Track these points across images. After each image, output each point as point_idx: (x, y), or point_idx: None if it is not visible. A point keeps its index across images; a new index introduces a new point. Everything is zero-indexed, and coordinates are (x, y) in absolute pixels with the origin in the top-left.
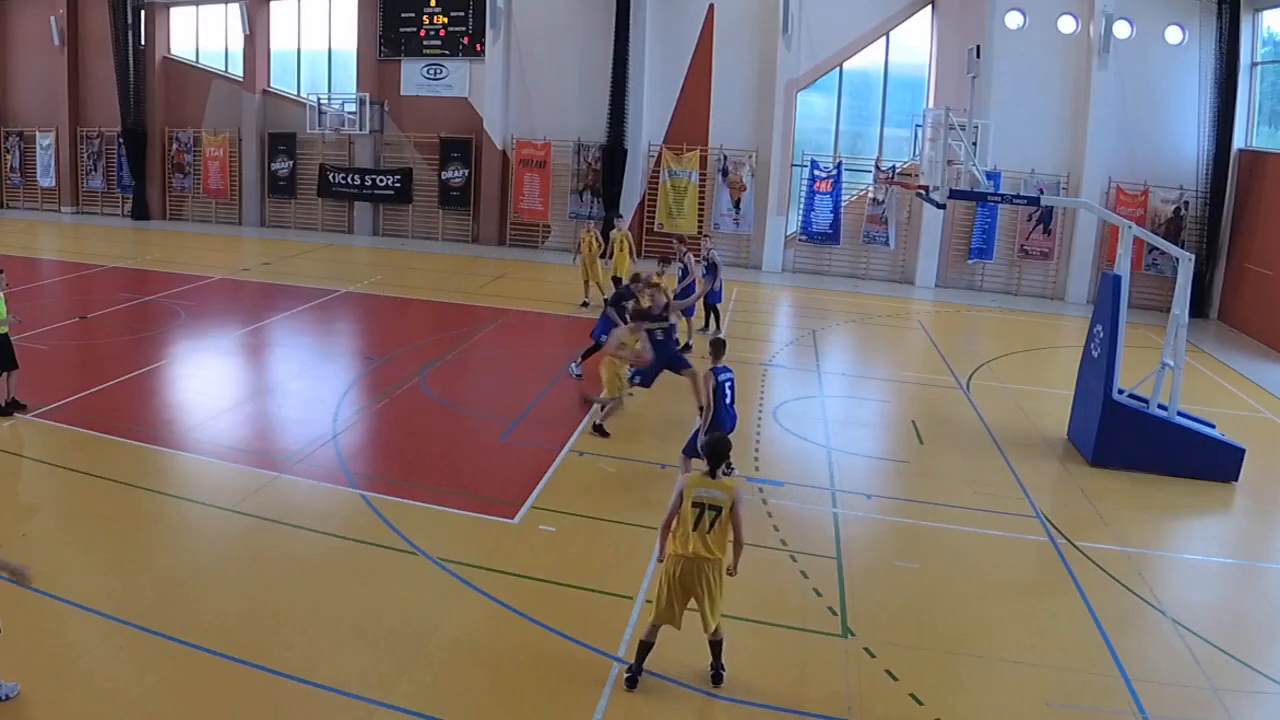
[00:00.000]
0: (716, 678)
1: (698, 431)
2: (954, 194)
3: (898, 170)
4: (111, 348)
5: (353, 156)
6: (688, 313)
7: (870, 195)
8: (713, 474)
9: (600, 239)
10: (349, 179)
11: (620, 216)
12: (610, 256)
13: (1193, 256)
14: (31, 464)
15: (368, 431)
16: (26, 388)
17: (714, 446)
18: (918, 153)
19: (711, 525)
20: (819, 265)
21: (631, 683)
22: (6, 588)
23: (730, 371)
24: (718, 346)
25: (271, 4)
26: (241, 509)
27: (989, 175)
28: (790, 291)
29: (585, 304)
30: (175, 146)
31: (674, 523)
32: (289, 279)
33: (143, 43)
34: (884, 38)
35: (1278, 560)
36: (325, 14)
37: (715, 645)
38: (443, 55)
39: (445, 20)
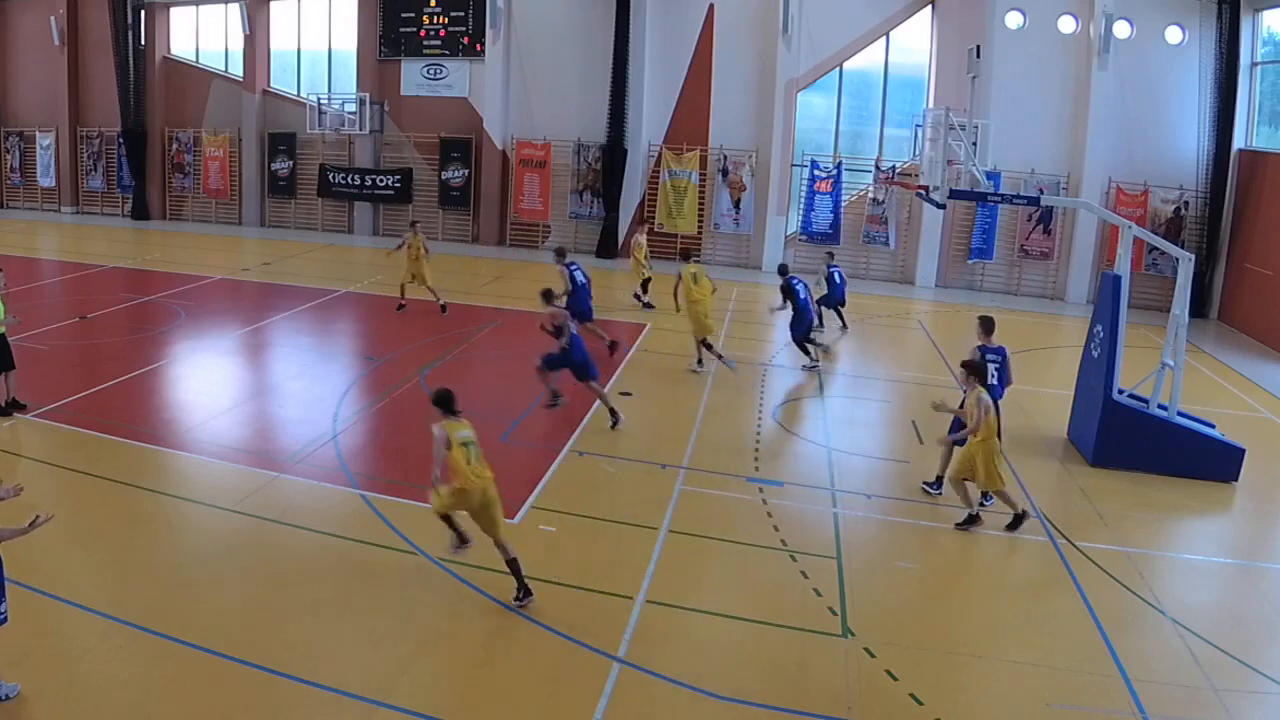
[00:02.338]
0: (521, 596)
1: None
2: (954, 194)
3: (898, 170)
4: (111, 348)
5: (353, 156)
6: (584, 316)
7: (870, 195)
8: (454, 415)
9: (425, 249)
10: (349, 179)
11: (651, 217)
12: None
13: (1193, 256)
14: (31, 464)
15: (368, 431)
16: (26, 388)
17: (441, 396)
18: (918, 153)
19: (477, 456)
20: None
21: (462, 541)
22: (10, 588)
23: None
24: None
25: (271, 4)
26: (241, 509)
27: (989, 175)
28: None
29: (402, 306)
30: (175, 146)
31: (447, 467)
32: (289, 279)
33: (143, 43)
34: (884, 38)
35: (1278, 560)
36: (325, 14)
37: (512, 565)
38: (443, 55)
39: (445, 20)
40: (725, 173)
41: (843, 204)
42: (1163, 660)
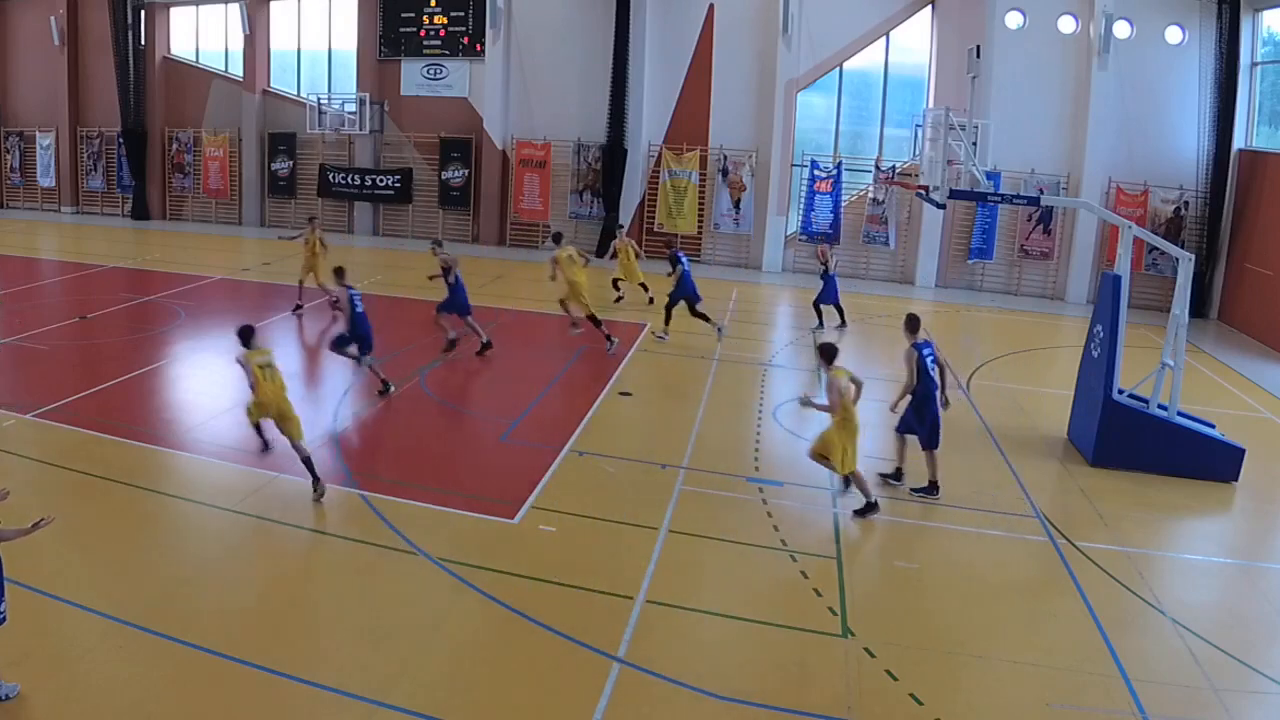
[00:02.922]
0: (317, 489)
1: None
2: (954, 194)
3: (898, 170)
4: (111, 348)
5: (353, 156)
6: (460, 311)
7: (870, 195)
8: (253, 346)
9: (322, 244)
10: (349, 179)
11: (621, 226)
12: (614, 257)
13: (1193, 256)
14: (31, 464)
15: (368, 431)
16: (26, 388)
17: (242, 331)
18: (918, 153)
19: (273, 376)
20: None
21: (265, 446)
22: (9, 588)
23: None
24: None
25: (271, 4)
26: (241, 509)
27: (989, 175)
28: (790, 291)
29: (299, 308)
30: (175, 146)
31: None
32: (289, 279)
33: (143, 43)
34: (884, 38)
35: (1278, 560)
36: (325, 14)
37: (306, 462)
38: (443, 55)
39: (445, 20)
40: (725, 173)
41: (843, 204)
42: (1163, 660)
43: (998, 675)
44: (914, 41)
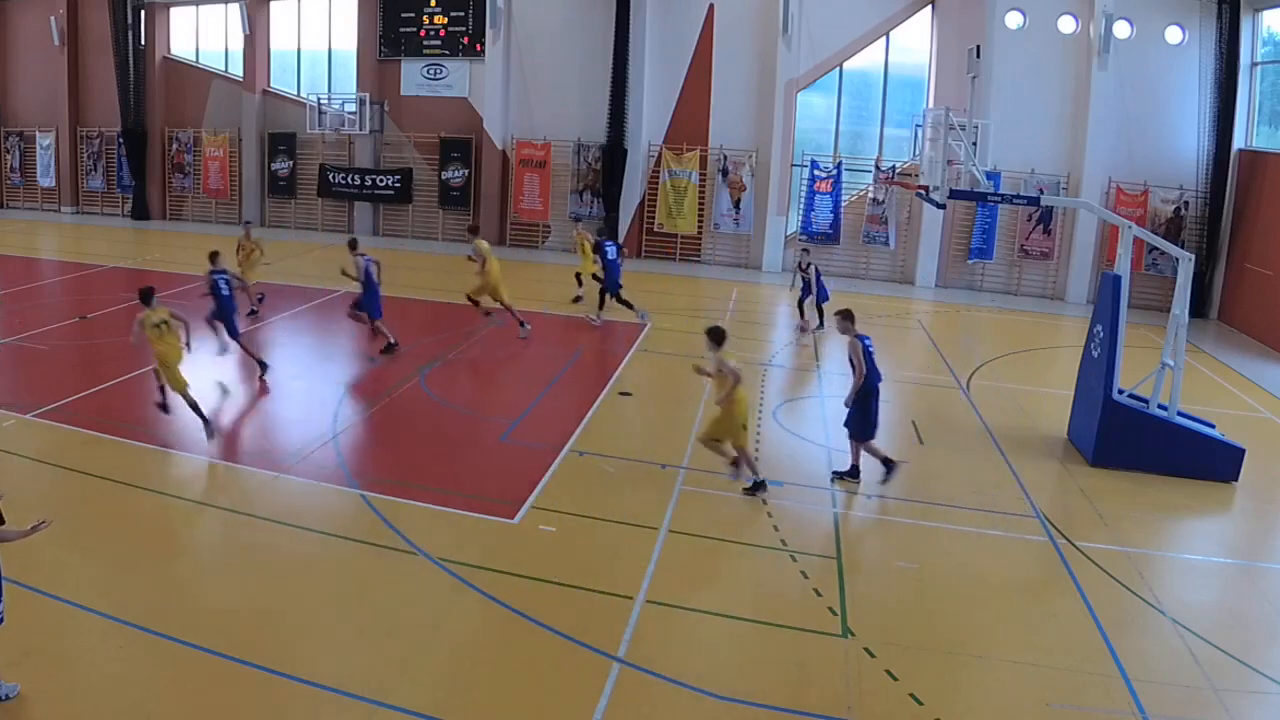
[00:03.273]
0: (208, 432)
1: None
2: (954, 194)
3: (898, 170)
4: (111, 348)
5: (353, 156)
6: (370, 313)
7: (870, 195)
8: (150, 304)
9: (259, 248)
10: (349, 179)
11: (579, 219)
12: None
13: (1193, 256)
14: (31, 464)
15: (368, 431)
16: (26, 388)
17: (142, 292)
18: (918, 153)
19: (166, 331)
20: (819, 265)
21: (164, 408)
22: (9, 587)
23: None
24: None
25: (271, 4)
26: (241, 509)
27: (989, 175)
28: (790, 291)
29: (254, 310)
30: (175, 146)
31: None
32: (289, 279)
33: (143, 43)
34: (884, 38)
35: (1278, 560)
36: (325, 14)
37: (194, 407)
38: (443, 55)
39: (445, 20)
40: (725, 173)
41: (843, 204)
42: (1163, 660)
43: (998, 675)
44: (914, 41)
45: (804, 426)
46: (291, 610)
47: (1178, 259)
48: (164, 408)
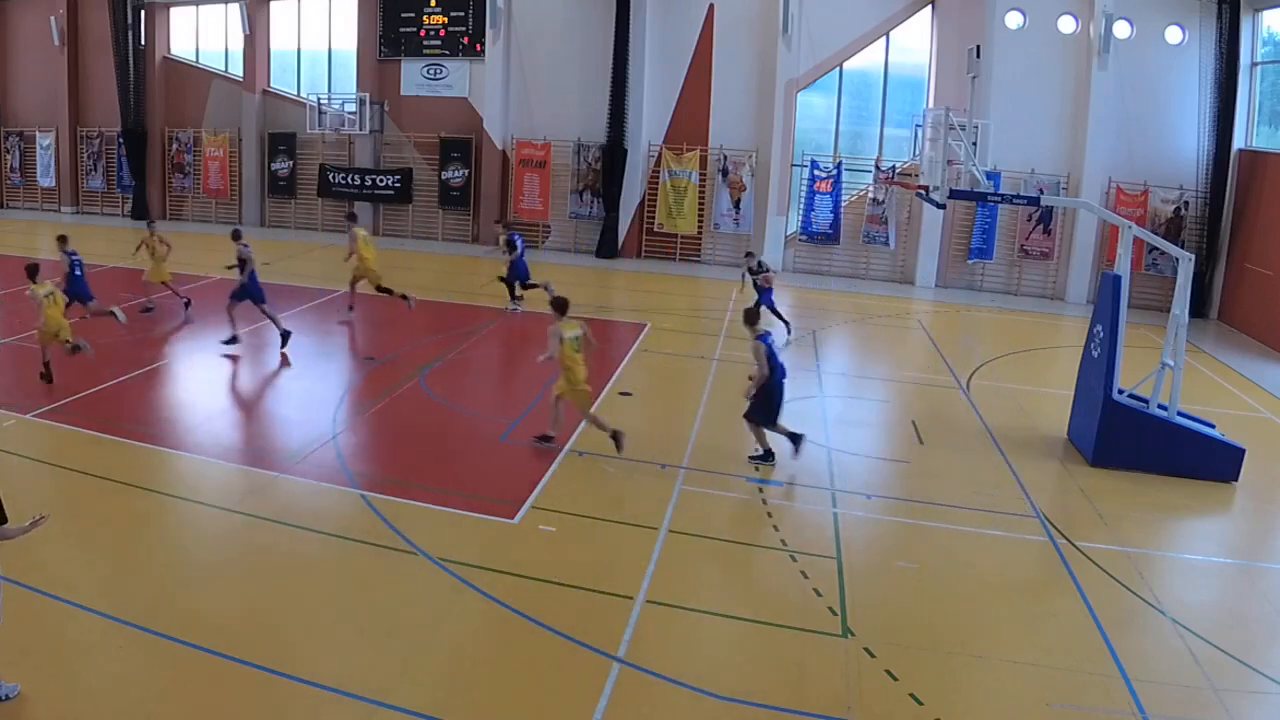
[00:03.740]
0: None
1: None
2: (954, 194)
3: (898, 170)
4: (111, 348)
5: (353, 156)
6: (254, 299)
7: (870, 195)
8: (35, 281)
9: (164, 243)
10: (349, 179)
11: (499, 221)
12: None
13: (1193, 256)
14: (31, 464)
15: (368, 431)
16: (26, 388)
17: (29, 267)
18: (918, 153)
19: (53, 302)
20: (819, 265)
21: (45, 363)
22: (8, 587)
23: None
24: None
25: (271, 4)
26: (241, 509)
27: (989, 175)
28: (790, 291)
29: (148, 309)
30: (175, 146)
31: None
32: (289, 279)
33: (143, 43)
34: (884, 38)
35: (1278, 560)
36: (325, 14)
37: (75, 349)
38: (443, 55)
39: (445, 20)
40: (725, 173)
41: (843, 204)
42: (1163, 660)
43: (998, 675)
44: (914, 41)
45: (803, 427)
46: (291, 610)
47: (1178, 259)
48: (47, 377)
